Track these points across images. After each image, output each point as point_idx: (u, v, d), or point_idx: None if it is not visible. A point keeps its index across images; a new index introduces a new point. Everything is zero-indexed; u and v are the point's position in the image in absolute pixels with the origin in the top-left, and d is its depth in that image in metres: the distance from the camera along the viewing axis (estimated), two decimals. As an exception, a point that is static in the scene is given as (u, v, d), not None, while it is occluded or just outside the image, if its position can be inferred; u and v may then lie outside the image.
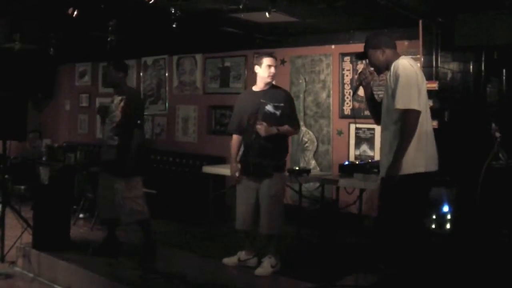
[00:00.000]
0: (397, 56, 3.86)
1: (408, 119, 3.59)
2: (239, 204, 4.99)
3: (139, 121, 5.18)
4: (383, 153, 3.83)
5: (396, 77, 3.65)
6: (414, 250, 3.70)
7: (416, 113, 3.60)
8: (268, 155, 4.79)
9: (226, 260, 5.11)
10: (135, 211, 5.20)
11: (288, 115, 4.84)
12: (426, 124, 3.73)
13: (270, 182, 4.79)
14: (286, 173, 5.30)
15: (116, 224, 5.43)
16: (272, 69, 4.86)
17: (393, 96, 3.67)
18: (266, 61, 4.87)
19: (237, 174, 4.95)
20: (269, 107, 4.80)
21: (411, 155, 3.62)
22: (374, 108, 4.06)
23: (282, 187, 4.98)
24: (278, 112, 4.80)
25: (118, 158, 5.12)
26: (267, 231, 4.85)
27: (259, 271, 4.82)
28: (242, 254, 5.09)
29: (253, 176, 4.85)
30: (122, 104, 5.18)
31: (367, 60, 3.99)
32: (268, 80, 4.88)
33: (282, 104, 4.81)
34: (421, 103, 3.65)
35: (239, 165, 4.96)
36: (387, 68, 3.85)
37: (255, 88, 4.98)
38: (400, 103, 3.60)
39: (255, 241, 5.09)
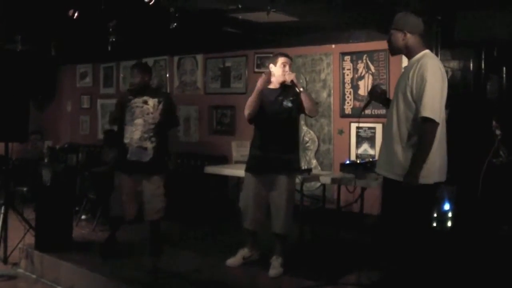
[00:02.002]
0: (420, 46, 3.66)
1: (431, 129, 3.44)
2: (248, 202, 4.98)
3: (171, 122, 5.50)
4: (392, 153, 3.63)
5: (423, 80, 3.44)
6: (420, 253, 3.66)
7: (436, 126, 3.45)
8: (285, 149, 4.86)
9: (230, 261, 5.11)
10: (163, 208, 5.41)
11: (300, 102, 4.81)
12: (443, 131, 3.64)
13: (288, 179, 4.83)
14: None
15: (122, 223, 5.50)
16: (287, 68, 4.92)
17: (417, 99, 3.47)
18: (281, 60, 4.92)
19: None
20: (286, 103, 4.87)
21: (434, 164, 3.52)
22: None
23: (294, 186, 5.02)
24: (293, 105, 4.87)
25: (156, 158, 5.29)
26: (281, 231, 4.87)
27: (273, 272, 4.83)
28: (245, 252, 5.11)
29: (268, 173, 4.85)
30: (161, 106, 5.33)
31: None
32: (282, 78, 4.91)
33: (294, 98, 4.87)
34: (442, 112, 3.55)
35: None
36: (406, 54, 3.70)
37: (271, 86, 4.99)
38: (429, 112, 3.41)
39: (257, 238, 5.10)
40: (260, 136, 4.97)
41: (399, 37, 3.68)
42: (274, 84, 4.97)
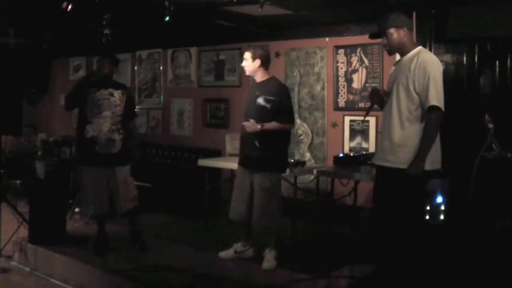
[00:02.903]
0: (413, 41, 3.92)
1: (438, 117, 3.66)
2: (234, 193, 5.04)
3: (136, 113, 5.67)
4: (392, 143, 3.80)
5: (426, 73, 3.66)
6: (416, 243, 3.78)
7: (442, 114, 3.68)
8: (258, 149, 4.78)
9: (222, 254, 5.14)
10: (136, 196, 5.40)
11: (279, 108, 4.76)
12: None
13: (263, 176, 4.80)
14: (285, 172, 5.18)
15: (109, 217, 5.48)
16: (243, 62, 4.91)
17: (421, 90, 3.67)
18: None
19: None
20: (260, 100, 4.79)
21: (433, 151, 3.72)
22: None
23: (277, 184, 4.93)
24: (268, 105, 4.76)
25: (125, 148, 5.29)
26: (259, 226, 4.86)
27: (266, 265, 4.85)
28: (238, 246, 5.12)
29: (250, 169, 4.88)
30: (125, 98, 5.32)
31: (384, 40, 3.91)
32: (246, 73, 4.95)
33: (273, 98, 4.75)
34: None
35: None
36: (403, 49, 3.86)
37: (256, 79, 4.97)
38: (436, 101, 3.63)
39: (250, 232, 5.11)
40: (243, 130, 4.95)
41: (400, 34, 3.84)
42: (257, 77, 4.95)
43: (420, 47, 3.88)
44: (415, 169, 3.67)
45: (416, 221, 3.82)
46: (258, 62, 4.83)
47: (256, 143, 4.78)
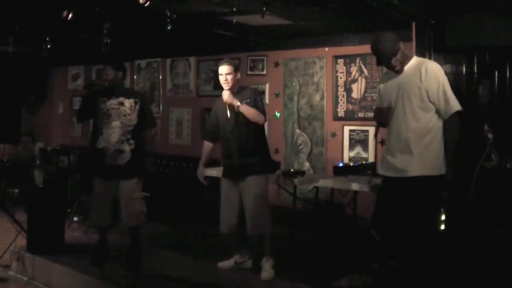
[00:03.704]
0: (406, 54, 4.04)
1: (459, 121, 3.88)
2: (222, 207, 5.00)
3: (155, 123, 5.48)
4: (410, 153, 3.91)
5: (439, 82, 3.84)
6: (430, 250, 3.92)
7: (461, 116, 3.90)
8: (250, 153, 4.82)
9: (221, 264, 5.12)
10: (142, 212, 5.21)
11: (253, 105, 4.81)
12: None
13: (255, 181, 4.80)
14: (273, 175, 5.27)
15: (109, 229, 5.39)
16: (223, 78, 4.83)
17: (437, 99, 3.84)
18: (219, 69, 4.89)
19: (203, 180, 5.16)
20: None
21: (441, 155, 3.93)
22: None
23: (267, 187, 4.97)
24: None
25: (134, 160, 5.11)
26: (255, 232, 4.85)
27: (265, 275, 4.83)
28: (237, 257, 5.10)
29: (238, 178, 4.86)
30: (137, 107, 5.16)
31: (394, 63, 4.02)
32: (225, 87, 4.86)
33: (248, 100, 4.82)
34: None
35: (204, 170, 5.20)
36: (402, 64, 4.00)
37: (232, 90, 4.94)
38: (457, 105, 3.86)
39: (247, 243, 5.09)
40: (223, 144, 4.99)
41: (398, 57, 3.97)
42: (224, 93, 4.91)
43: (416, 57, 4.09)
44: (453, 175, 3.90)
45: (434, 227, 4.12)
46: (238, 74, 4.92)
47: (241, 150, 4.81)
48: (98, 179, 5.21)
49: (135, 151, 5.12)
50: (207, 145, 5.19)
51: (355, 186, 5.27)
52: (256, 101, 4.87)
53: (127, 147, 5.11)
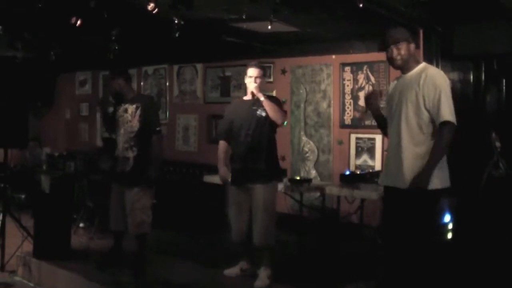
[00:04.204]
0: (417, 58, 3.84)
1: (450, 131, 3.55)
2: (232, 216, 4.98)
3: (158, 128, 5.14)
4: (401, 162, 3.66)
5: (436, 87, 3.57)
6: (426, 263, 3.66)
7: (454, 128, 3.58)
8: (260, 159, 4.79)
9: (227, 271, 5.08)
10: (145, 222, 5.13)
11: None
12: None
13: (265, 190, 4.76)
14: (280, 183, 5.24)
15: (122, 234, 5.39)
16: (254, 79, 4.84)
17: (431, 106, 3.57)
18: (248, 71, 4.91)
19: (228, 178, 4.97)
20: (259, 112, 4.82)
21: (444, 169, 3.65)
22: (382, 122, 4.02)
23: (276, 196, 4.92)
24: (264, 113, 4.81)
25: (136, 168, 5.06)
26: (262, 243, 4.79)
27: (258, 284, 4.78)
28: (243, 264, 5.08)
29: (246, 184, 4.82)
30: (138, 112, 5.09)
31: (389, 52, 3.79)
32: (248, 90, 4.89)
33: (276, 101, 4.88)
34: None
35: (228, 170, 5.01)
36: (410, 64, 3.76)
37: (246, 98, 5.01)
38: (448, 115, 3.53)
39: (253, 251, 5.06)
40: (234, 148, 4.95)
41: (411, 48, 3.76)
42: (248, 95, 4.97)
43: (424, 63, 3.82)
44: (419, 182, 3.54)
45: (427, 241, 3.68)
46: (264, 80, 4.97)
47: (253, 155, 4.78)
48: (114, 185, 5.27)
49: (137, 158, 5.08)
50: (223, 144, 5.08)
51: (361, 194, 5.27)
52: (277, 102, 4.90)
53: (130, 154, 5.10)
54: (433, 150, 3.57)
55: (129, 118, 5.12)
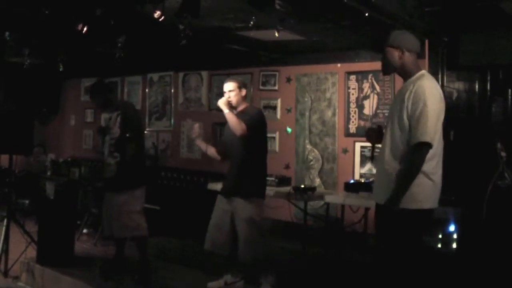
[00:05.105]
0: (417, 65, 3.46)
1: (425, 153, 3.23)
2: (210, 223, 4.89)
3: (127, 135, 5.09)
4: (386, 177, 3.39)
5: (420, 103, 3.23)
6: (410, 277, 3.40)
7: (427, 149, 3.24)
8: (242, 174, 4.70)
9: (211, 285, 4.96)
10: (128, 226, 5.11)
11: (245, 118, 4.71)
12: (440, 152, 3.40)
13: (245, 205, 4.66)
14: (264, 198, 4.93)
15: (123, 241, 5.39)
16: (227, 95, 4.78)
17: (411, 120, 3.26)
18: (224, 87, 4.86)
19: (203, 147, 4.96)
20: None
21: (419, 188, 3.28)
22: None
23: (259, 212, 4.75)
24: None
25: (120, 174, 5.09)
26: (246, 256, 4.69)
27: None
28: (228, 277, 4.96)
29: (227, 196, 4.77)
30: (119, 119, 5.14)
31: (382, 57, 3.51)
32: (233, 104, 4.78)
33: (247, 118, 4.69)
34: (438, 134, 3.33)
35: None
36: (402, 74, 3.47)
37: (238, 109, 4.86)
38: (425, 136, 3.21)
39: (238, 263, 4.93)
40: (229, 158, 4.92)
41: (395, 55, 3.43)
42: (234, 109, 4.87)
43: (422, 72, 3.44)
44: (389, 200, 3.27)
45: (407, 258, 3.37)
46: (244, 91, 4.84)
47: (238, 169, 4.72)
48: (105, 192, 5.35)
49: (120, 164, 5.10)
50: (214, 151, 5.04)
51: (366, 203, 5.25)
52: (250, 115, 4.72)
53: (112, 161, 5.14)
54: (400, 173, 3.29)
55: (111, 125, 5.20)
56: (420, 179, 3.27)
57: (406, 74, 3.45)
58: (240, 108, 4.82)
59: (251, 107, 5.01)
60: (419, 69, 3.46)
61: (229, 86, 4.81)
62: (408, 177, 3.24)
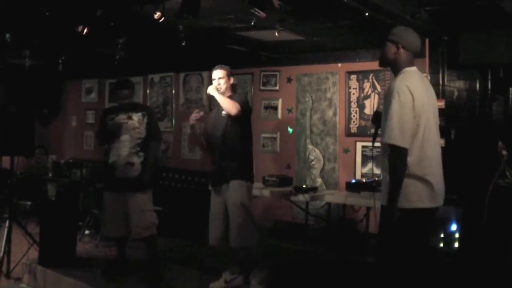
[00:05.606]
0: (409, 63, 3.42)
1: (394, 155, 3.21)
2: (210, 220, 4.94)
3: (160, 136, 5.49)
4: (386, 178, 3.39)
5: (390, 99, 3.24)
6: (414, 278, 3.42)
7: (403, 151, 3.20)
8: (230, 158, 4.76)
9: (212, 285, 4.97)
10: (153, 224, 5.23)
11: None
12: (433, 152, 3.36)
13: (234, 188, 4.71)
14: (252, 181, 5.00)
15: (125, 241, 5.40)
16: (216, 82, 4.88)
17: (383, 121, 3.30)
18: (212, 74, 4.96)
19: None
20: (224, 112, 4.82)
21: (411, 188, 3.27)
22: None
23: (247, 196, 4.80)
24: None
25: (144, 173, 5.18)
26: (237, 244, 4.71)
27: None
28: (226, 275, 4.98)
29: (221, 185, 4.80)
30: (146, 120, 5.27)
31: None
32: (221, 91, 4.86)
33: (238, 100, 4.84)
34: (419, 135, 3.26)
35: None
36: (393, 69, 3.47)
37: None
38: (388, 138, 3.21)
39: (237, 258, 4.98)
40: (212, 150, 4.96)
41: (391, 50, 3.42)
42: None
43: (405, 69, 3.39)
44: (387, 208, 3.31)
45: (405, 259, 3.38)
46: (232, 79, 4.96)
47: (224, 154, 4.77)
48: (109, 192, 5.31)
49: (144, 164, 5.20)
50: (204, 141, 5.13)
51: (367, 203, 5.25)
52: (240, 99, 4.87)
53: (137, 160, 5.18)
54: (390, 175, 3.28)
55: (136, 124, 5.23)
56: (412, 181, 3.26)
57: (396, 71, 3.43)
58: (227, 95, 4.89)
59: (237, 94, 5.08)
60: (409, 65, 3.42)
61: (219, 74, 4.91)
62: (393, 180, 3.23)
